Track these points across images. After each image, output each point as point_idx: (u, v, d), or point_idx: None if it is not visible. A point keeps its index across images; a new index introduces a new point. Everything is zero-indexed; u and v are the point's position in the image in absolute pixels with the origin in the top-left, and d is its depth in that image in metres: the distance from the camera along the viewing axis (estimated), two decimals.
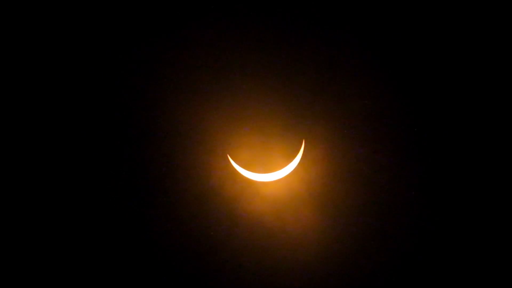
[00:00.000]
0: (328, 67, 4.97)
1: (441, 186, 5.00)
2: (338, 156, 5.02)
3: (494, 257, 4.99)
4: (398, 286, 5.06)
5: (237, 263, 5.11)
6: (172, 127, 5.03)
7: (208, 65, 5.01)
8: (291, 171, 4.97)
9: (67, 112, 5.04)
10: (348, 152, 5.02)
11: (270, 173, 4.91)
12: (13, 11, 4.99)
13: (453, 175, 5.00)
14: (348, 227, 5.07)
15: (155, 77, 5.02)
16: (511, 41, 4.96)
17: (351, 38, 4.96)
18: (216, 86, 5.02)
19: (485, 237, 5.00)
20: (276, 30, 4.97)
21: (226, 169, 5.02)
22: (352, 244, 5.07)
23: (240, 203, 5.09)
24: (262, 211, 5.09)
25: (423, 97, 4.98)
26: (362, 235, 5.08)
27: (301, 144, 4.96)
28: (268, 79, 4.99)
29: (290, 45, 4.98)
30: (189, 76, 5.01)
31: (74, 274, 5.07)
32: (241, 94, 5.00)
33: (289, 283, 5.11)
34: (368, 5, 4.94)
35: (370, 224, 5.07)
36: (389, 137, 5.01)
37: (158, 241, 5.12)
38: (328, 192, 5.05)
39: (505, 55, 4.96)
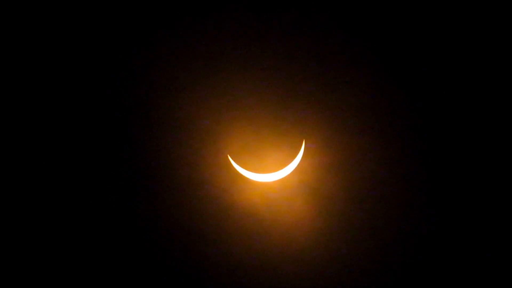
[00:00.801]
0: (330, 66, 4.97)
1: (443, 186, 5.00)
2: (339, 156, 5.02)
3: (495, 257, 4.99)
4: (392, 282, 5.06)
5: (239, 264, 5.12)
6: (172, 127, 5.02)
7: (209, 65, 5.00)
8: (291, 171, 4.97)
9: (68, 113, 5.04)
10: (349, 152, 5.02)
11: (270, 173, 4.90)
12: (12, 11, 4.99)
13: (456, 175, 5.00)
14: (348, 226, 5.07)
15: (155, 77, 5.01)
16: (510, 41, 4.97)
17: (352, 37, 4.97)
18: (216, 86, 5.01)
19: (485, 237, 5.00)
20: (276, 29, 4.97)
21: (226, 169, 5.02)
22: (353, 244, 5.06)
23: (239, 202, 5.08)
24: (262, 211, 5.08)
25: (426, 97, 4.99)
26: (362, 234, 5.07)
27: (301, 144, 4.96)
28: (269, 78, 4.99)
29: (291, 45, 4.98)
30: (190, 75, 5.01)
31: (67, 270, 5.07)
32: (241, 94, 5.00)
33: (282, 275, 5.11)
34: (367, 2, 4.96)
35: (371, 223, 5.07)
36: (391, 137, 5.01)
37: (157, 241, 5.12)
38: (328, 191, 5.05)
39: (502, 53, 4.97)
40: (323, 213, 5.07)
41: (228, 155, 4.97)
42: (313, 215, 5.07)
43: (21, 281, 5.07)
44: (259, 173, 4.91)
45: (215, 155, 5.02)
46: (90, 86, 5.02)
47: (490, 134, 4.97)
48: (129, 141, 5.05)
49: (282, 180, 5.01)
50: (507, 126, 4.97)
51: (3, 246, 5.05)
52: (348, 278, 5.10)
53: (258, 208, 5.08)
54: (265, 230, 5.11)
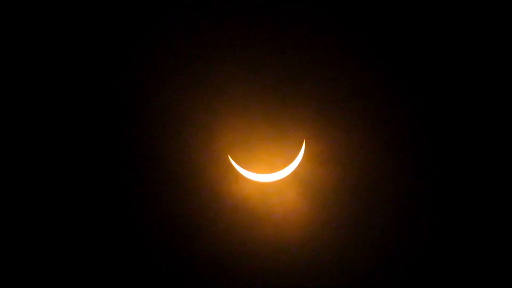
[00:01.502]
0: (332, 68, 4.97)
1: (445, 186, 5.02)
2: (340, 155, 5.02)
3: (495, 257, 5.02)
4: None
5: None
6: (172, 127, 5.02)
7: (209, 64, 4.99)
8: (292, 171, 4.97)
9: (67, 113, 5.03)
10: (351, 152, 5.03)
11: (271, 173, 4.90)
12: (12, 11, 4.97)
13: (454, 172, 5.02)
14: (351, 226, 5.08)
15: (155, 76, 5.01)
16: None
17: (353, 36, 4.97)
18: (217, 86, 5.00)
19: (486, 236, 5.03)
20: (278, 30, 4.96)
21: (227, 169, 5.02)
22: (353, 245, 5.08)
23: (239, 202, 5.09)
24: (263, 211, 5.09)
25: (427, 97, 5.00)
26: (362, 233, 5.08)
27: (302, 144, 4.95)
28: (269, 78, 4.98)
29: (292, 44, 4.97)
30: (190, 75, 5.00)
31: (64, 266, 5.08)
32: (242, 93, 4.99)
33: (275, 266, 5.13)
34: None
35: (371, 223, 5.08)
36: (392, 137, 5.02)
37: (156, 240, 5.13)
38: (329, 191, 5.06)
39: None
40: (324, 212, 5.08)
41: (228, 155, 4.97)
42: (313, 214, 5.08)
43: (21, 281, 5.07)
44: (259, 173, 4.91)
45: (215, 155, 5.02)
46: (89, 86, 5.01)
47: (487, 128, 4.99)
48: (128, 141, 5.04)
49: (282, 180, 5.01)
50: (507, 124, 4.99)
51: (3, 246, 5.06)
52: (347, 275, 5.12)
53: (258, 208, 5.09)
54: (265, 228, 5.11)
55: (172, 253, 5.12)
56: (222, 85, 5.00)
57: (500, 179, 5.00)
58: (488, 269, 5.00)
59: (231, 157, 4.95)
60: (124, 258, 5.10)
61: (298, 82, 4.99)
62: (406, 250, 5.06)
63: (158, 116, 5.01)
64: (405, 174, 5.03)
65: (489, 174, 4.99)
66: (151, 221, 5.10)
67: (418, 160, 5.02)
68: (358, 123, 5.00)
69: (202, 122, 5.00)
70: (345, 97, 4.99)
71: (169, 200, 5.09)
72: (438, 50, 4.98)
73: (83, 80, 5.01)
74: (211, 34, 4.99)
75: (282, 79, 4.99)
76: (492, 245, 5.00)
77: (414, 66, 4.98)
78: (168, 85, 5.01)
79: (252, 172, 4.90)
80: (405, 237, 5.06)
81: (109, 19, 4.98)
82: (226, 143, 4.97)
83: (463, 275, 5.02)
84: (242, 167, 4.91)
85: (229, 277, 5.13)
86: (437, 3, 4.95)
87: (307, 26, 4.97)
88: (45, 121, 5.03)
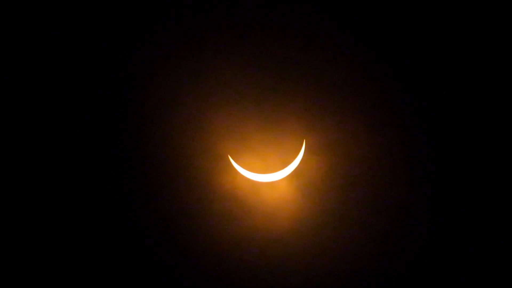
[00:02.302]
0: (332, 69, 4.97)
1: (446, 185, 5.02)
2: (340, 156, 5.02)
3: (495, 258, 5.02)
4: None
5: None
6: (172, 127, 5.02)
7: (209, 65, 4.99)
8: (291, 171, 4.97)
9: (67, 113, 5.04)
10: (351, 152, 5.03)
11: (271, 173, 4.90)
12: (12, 11, 4.97)
13: (460, 174, 5.03)
14: (350, 225, 5.09)
15: (155, 76, 5.01)
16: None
17: (352, 37, 4.97)
18: (217, 86, 5.01)
19: (486, 236, 5.03)
20: (277, 30, 4.97)
21: (227, 170, 5.02)
22: (356, 246, 5.08)
23: (239, 202, 5.09)
24: (263, 211, 5.09)
25: (427, 97, 5.01)
26: (360, 234, 5.09)
27: (302, 144, 4.95)
28: (269, 78, 4.99)
29: (292, 45, 4.97)
30: (191, 75, 5.00)
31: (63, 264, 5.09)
32: (242, 93, 4.99)
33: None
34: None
35: (370, 223, 5.08)
36: (393, 136, 5.02)
37: (156, 241, 5.13)
38: (330, 192, 5.06)
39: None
40: (324, 212, 5.08)
41: (229, 155, 4.97)
42: (314, 213, 5.08)
43: (21, 281, 5.07)
44: (259, 173, 4.91)
45: (215, 155, 5.02)
46: (89, 86, 5.01)
47: (486, 128, 4.99)
48: (128, 141, 5.04)
49: (282, 180, 5.02)
50: (507, 124, 4.99)
51: (3, 246, 5.06)
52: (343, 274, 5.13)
53: (259, 208, 5.09)
54: (265, 228, 5.12)
55: (172, 253, 5.12)
56: (223, 86, 5.00)
57: (500, 178, 5.00)
58: (488, 269, 5.01)
59: (231, 157, 4.95)
60: (119, 251, 5.11)
61: (299, 82, 4.99)
62: (405, 248, 5.06)
63: (158, 116, 5.01)
64: (406, 174, 5.04)
65: (488, 172, 5.00)
66: (149, 221, 5.10)
67: (418, 160, 5.03)
68: (359, 122, 5.00)
69: (203, 123, 5.00)
70: (345, 97, 5.00)
71: (167, 200, 5.09)
72: (438, 50, 4.99)
73: (83, 80, 5.01)
74: (210, 33, 5.00)
75: (283, 79, 5.00)
76: (492, 245, 5.01)
77: (414, 66, 4.99)
78: (167, 85, 5.01)
79: (251, 172, 4.90)
80: (404, 236, 5.07)
81: (109, 19, 4.98)
82: (226, 143, 4.97)
83: (463, 275, 5.02)
84: (242, 167, 4.91)
85: (228, 277, 5.14)
86: (437, 3, 4.96)
87: (307, 25, 4.97)
88: (45, 121, 5.03)
